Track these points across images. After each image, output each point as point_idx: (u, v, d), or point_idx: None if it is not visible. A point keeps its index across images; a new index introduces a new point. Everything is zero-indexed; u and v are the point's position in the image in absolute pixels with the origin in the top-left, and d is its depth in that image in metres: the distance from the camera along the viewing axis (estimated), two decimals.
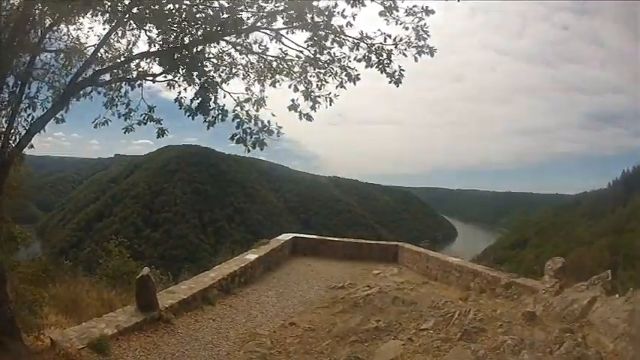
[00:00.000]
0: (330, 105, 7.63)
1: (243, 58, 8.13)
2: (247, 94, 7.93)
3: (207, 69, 7.45)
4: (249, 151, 7.30)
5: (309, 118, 7.55)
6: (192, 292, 10.19)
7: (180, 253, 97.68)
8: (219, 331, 9.15)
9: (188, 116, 7.23)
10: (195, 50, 7.19)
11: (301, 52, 7.48)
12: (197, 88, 7.16)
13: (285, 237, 18.48)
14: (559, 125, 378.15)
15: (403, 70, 7.41)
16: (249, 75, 8.22)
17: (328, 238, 20.39)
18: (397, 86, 7.48)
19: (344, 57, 7.47)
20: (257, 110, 7.62)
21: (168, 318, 8.85)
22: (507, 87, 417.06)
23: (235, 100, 7.64)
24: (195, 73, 7.16)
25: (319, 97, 7.63)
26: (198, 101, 7.10)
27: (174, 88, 7.60)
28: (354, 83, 7.61)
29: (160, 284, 11.44)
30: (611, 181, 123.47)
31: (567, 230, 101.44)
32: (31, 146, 7.37)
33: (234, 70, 8.14)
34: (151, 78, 8.01)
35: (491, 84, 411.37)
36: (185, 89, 7.43)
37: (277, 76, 7.99)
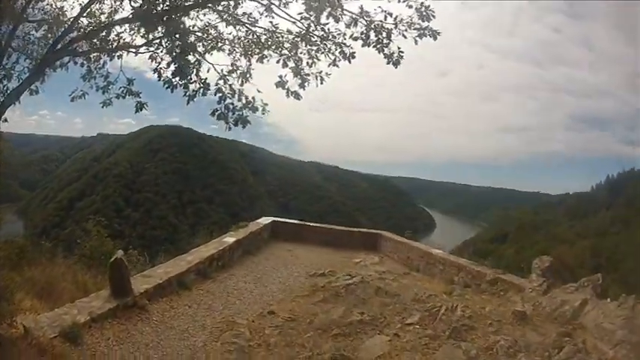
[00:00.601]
0: (321, 83, 7.33)
1: (230, 33, 7.70)
2: (232, 67, 7.48)
3: (190, 40, 7.01)
4: (229, 128, 6.96)
5: (297, 96, 7.21)
6: (168, 277, 9.70)
7: (159, 234, 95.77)
8: (195, 319, 8.71)
9: (167, 88, 6.83)
10: (178, 16, 6.73)
11: (293, 24, 7.09)
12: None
13: (265, 220, 18.04)
14: (544, 125, 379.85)
15: (402, 52, 7.02)
16: (235, 50, 7.79)
17: (309, 224, 19.94)
18: (395, 67, 7.23)
19: (339, 34, 7.09)
20: (242, 84, 7.21)
21: (143, 304, 8.39)
22: (494, 84, 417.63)
23: (219, 72, 7.21)
24: (176, 38, 6.70)
25: (309, 75, 7.21)
26: (175, 66, 6.62)
27: (155, 61, 7.19)
28: (349, 61, 7.31)
29: (137, 265, 11.37)
30: (594, 184, 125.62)
31: (548, 229, 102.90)
32: (5, 120, 7.07)
33: (219, 44, 7.72)
34: (132, 50, 7.62)
35: (478, 80, 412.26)
36: (167, 64, 7.02)
37: (266, 52, 7.59)
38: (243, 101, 7.08)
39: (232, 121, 6.96)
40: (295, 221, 19.98)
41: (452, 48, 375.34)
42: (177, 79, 6.80)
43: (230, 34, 7.70)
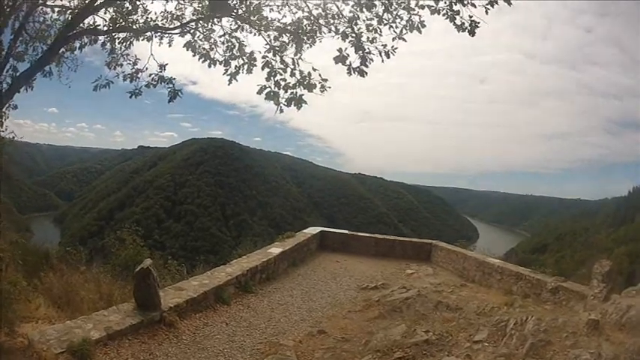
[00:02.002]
0: (388, 58, 5.91)
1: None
2: (281, 45, 6.20)
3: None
4: (281, 110, 5.62)
5: (361, 72, 5.78)
6: (204, 290, 8.44)
7: (201, 246, 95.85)
8: (232, 339, 7.39)
9: (202, 62, 5.65)
10: None
11: None
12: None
13: (313, 230, 16.81)
14: (583, 130, 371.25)
15: (476, 22, 5.64)
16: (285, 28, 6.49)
17: (359, 234, 18.62)
18: (471, 36, 5.85)
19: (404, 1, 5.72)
20: (296, 57, 5.92)
21: (172, 321, 7.13)
22: (533, 90, 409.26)
23: (267, 42, 5.93)
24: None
25: (370, 51, 5.85)
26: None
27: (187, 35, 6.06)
28: (419, 31, 5.83)
29: (175, 277, 10.24)
30: (631, 188, 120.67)
31: (587, 237, 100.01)
32: (15, 107, 6.57)
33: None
34: (163, 31, 6.52)
35: (516, 86, 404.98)
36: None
37: (321, 25, 6.24)
38: (297, 76, 5.88)
39: (284, 100, 5.76)
40: (344, 231, 18.57)
41: (489, 54, 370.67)
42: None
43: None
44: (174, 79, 6.43)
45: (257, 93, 5.74)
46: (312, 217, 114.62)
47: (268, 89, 5.74)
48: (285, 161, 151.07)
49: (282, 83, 5.76)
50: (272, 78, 5.76)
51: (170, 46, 6.78)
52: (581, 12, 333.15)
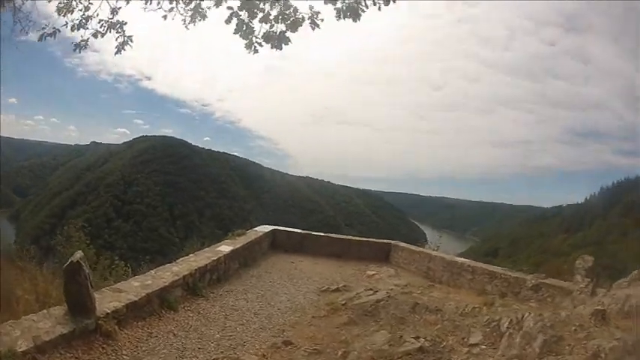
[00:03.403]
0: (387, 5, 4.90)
1: None
2: None
3: None
4: (256, 50, 4.65)
5: (354, 14, 4.86)
6: (147, 292, 7.34)
7: (150, 246, 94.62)
8: (183, 354, 6.32)
9: None
10: None
11: None
12: None
13: (264, 229, 16.06)
14: (538, 139, 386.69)
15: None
16: None
17: (313, 233, 18.01)
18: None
19: None
20: None
21: (109, 330, 5.99)
22: (489, 98, 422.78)
23: None
24: None
25: None
26: None
27: None
28: None
29: (123, 278, 9.25)
30: (588, 195, 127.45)
31: (541, 242, 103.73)
32: None
33: None
34: None
35: (473, 94, 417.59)
36: None
37: None
38: (280, 7, 4.79)
39: (261, 37, 4.78)
40: (297, 230, 17.88)
41: (447, 61, 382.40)
42: None
43: None
44: (126, 23, 5.43)
45: (225, 22, 4.77)
46: (260, 219, 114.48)
47: (239, 20, 4.72)
48: (234, 162, 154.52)
49: (259, 14, 4.73)
50: (243, 7, 4.72)
51: None
52: (546, 25, 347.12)
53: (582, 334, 6.31)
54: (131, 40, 5.52)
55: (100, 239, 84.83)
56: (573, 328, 6.54)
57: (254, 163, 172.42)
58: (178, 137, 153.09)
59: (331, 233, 18.66)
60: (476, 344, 6.77)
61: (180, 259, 9.97)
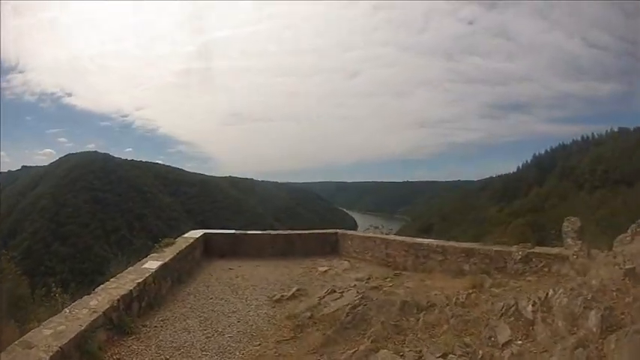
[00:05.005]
0: None
1: None
2: None
3: None
4: None
5: None
6: (60, 345, 5.52)
7: (87, 267, 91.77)
8: None
9: None
10: None
11: None
12: None
13: (194, 234, 14.41)
14: (458, 116, 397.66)
15: None
16: None
17: (249, 232, 16.66)
18: None
19: None
20: None
21: None
22: (406, 81, 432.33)
23: None
24: None
25: None
26: None
27: None
28: None
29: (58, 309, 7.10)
30: (520, 164, 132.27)
31: (475, 214, 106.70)
32: None
33: None
34: None
35: (389, 79, 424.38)
36: None
37: None
38: None
39: None
40: (230, 231, 16.47)
41: (362, 49, 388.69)
42: None
43: None
44: None
45: None
46: (188, 225, 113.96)
47: None
48: (156, 170, 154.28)
49: None
50: None
51: None
52: (465, 5, 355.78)
53: (629, 298, 5.32)
54: None
55: (42, 266, 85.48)
56: (615, 294, 5.51)
57: (176, 169, 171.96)
58: (101, 151, 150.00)
59: (265, 230, 16.95)
60: (508, 342, 5.71)
61: (100, 287, 7.99)
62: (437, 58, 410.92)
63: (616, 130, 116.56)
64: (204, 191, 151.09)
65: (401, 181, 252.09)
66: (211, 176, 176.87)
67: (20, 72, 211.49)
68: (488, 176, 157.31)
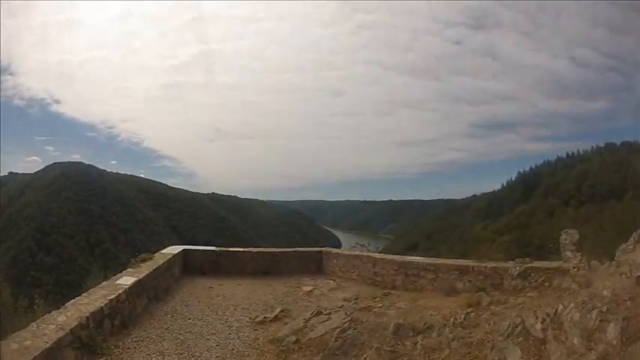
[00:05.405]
0: None
1: None
2: None
3: None
4: None
5: None
6: None
7: (72, 279, 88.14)
8: None
9: None
10: None
11: None
12: None
13: (173, 250, 13.84)
14: (443, 135, 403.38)
15: None
16: None
17: (230, 249, 16.05)
18: None
19: None
20: None
21: None
22: (390, 100, 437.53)
23: None
24: None
25: None
26: None
27: None
28: None
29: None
30: (505, 182, 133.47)
31: (460, 232, 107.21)
32: None
33: None
34: None
35: (373, 97, 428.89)
36: None
37: None
38: None
39: None
40: (211, 248, 15.92)
41: (345, 69, 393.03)
42: None
43: None
44: None
45: None
46: (172, 240, 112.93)
47: None
48: (140, 184, 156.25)
49: None
50: None
51: None
52: (452, 25, 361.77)
53: None
54: None
55: (28, 276, 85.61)
56: (629, 303, 5.05)
57: (160, 183, 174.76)
58: (87, 162, 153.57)
59: (247, 248, 16.35)
60: None
61: (71, 301, 7.35)
62: (422, 77, 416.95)
63: (602, 145, 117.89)
64: (187, 207, 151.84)
65: (385, 200, 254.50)
66: (195, 192, 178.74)
67: (11, 74, 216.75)
68: (472, 194, 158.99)
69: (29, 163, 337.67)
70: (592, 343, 4.86)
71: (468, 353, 5.71)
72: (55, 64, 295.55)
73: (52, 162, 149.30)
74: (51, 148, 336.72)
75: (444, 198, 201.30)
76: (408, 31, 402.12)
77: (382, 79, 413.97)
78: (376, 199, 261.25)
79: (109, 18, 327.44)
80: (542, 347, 5.42)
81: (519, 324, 5.94)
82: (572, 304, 5.54)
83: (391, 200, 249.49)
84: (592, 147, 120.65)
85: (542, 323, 5.71)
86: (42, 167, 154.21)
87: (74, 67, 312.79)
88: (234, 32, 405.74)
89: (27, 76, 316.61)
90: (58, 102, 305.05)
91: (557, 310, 5.67)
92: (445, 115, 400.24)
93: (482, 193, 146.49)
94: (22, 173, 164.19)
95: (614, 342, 4.68)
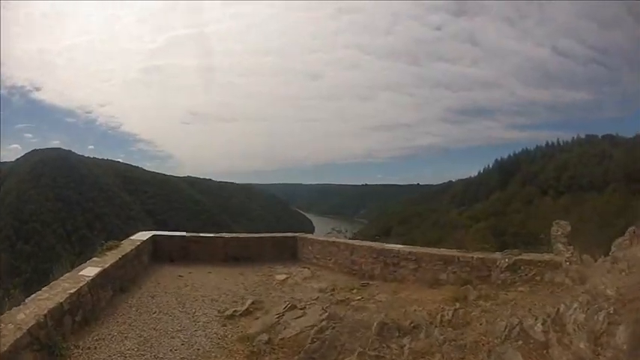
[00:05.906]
0: None
1: None
2: None
3: None
4: None
5: None
6: None
7: (49, 267, 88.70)
8: None
9: None
10: None
11: None
12: None
13: (142, 236, 13.42)
14: (421, 120, 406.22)
15: None
16: None
17: (201, 235, 15.41)
18: None
19: None
20: None
21: None
22: (369, 84, 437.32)
23: None
24: None
25: None
26: None
27: None
28: None
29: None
30: (482, 169, 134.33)
31: (435, 217, 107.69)
32: None
33: None
34: None
35: (352, 81, 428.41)
36: None
37: None
38: None
39: None
40: (181, 233, 15.31)
41: (325, 52, 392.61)
42: None
43: None
44: None
45: None
46: (147, 224, 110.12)
47: None
48: (117, 168, 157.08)
49: None
50: None
51: None
52: (434, 10, 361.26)
53: None
54: None
55: (7, 265, 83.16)
56: (637, 303, 4.50)
57: (136, 167, 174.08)
58: (65, 148, 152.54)
59: (221, 233, 15.72)
60: None
61: (31, 297, 6.71)
62: (401, 61, 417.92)
63: (583, 137, 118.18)
64: (162, 191, 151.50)
65: (360, 184, 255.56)
66: (170, 175, 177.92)
67: None
68: (448, 180, 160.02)
69: (10, 151, 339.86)
70: (599, 348, 4.38)
71: (462, 358, 5.27)
72: (35, 51, 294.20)
73: (31, 149, 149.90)
74: (30, 135, 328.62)
75: (420, 183, 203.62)
76: (388, 16, 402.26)
77: (362, 63, 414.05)
78: (351, 183, 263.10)
79: (92, 5, 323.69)
80: (545, 352, 5.01)
81: (517, 325, 5.58)
82: (575, 304, 5.02)
83: (366, 184, 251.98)
84: (572, 138, 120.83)
85: (542, 325, 5.31)
86: (22, 154, 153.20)
87: (55, 55, 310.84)
88: (214, 15, 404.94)
89: (9, 66, 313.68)
90: (38, 89, 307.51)
91: (558, 310, 5.22)
92: (424, 100, 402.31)
93: (458, 179, 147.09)
94: (3, 162, 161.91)
95: (624, 347, 4.19)
